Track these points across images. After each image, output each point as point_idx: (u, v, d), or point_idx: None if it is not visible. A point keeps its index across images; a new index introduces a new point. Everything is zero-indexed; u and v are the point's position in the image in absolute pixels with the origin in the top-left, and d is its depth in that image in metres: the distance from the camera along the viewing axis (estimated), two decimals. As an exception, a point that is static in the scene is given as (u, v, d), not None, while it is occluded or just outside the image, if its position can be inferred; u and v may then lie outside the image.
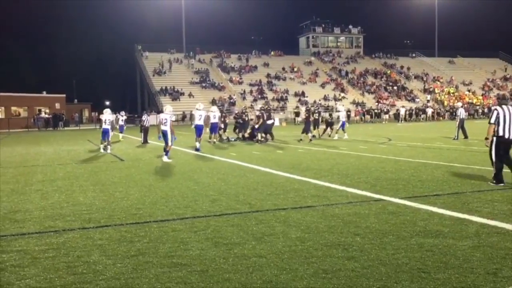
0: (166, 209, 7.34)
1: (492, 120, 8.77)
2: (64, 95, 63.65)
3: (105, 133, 18.32)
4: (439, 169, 10.92)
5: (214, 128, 20.38)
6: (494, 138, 8.78)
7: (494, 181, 8.77)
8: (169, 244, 5.42)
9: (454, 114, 20.91)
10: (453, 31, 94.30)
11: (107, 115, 18.59)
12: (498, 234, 5.46)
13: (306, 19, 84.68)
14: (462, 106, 23.00)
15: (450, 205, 7.03)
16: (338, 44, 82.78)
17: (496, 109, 8.87)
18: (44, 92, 61.72)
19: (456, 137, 20.65)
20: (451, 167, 11.18)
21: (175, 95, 58.59)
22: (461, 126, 20.92)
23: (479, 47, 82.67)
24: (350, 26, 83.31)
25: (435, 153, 15.00)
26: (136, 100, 73.60)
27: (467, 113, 45.17)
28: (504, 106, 8.80)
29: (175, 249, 5.23)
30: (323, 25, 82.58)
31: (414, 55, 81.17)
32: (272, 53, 75.26)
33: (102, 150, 18.35)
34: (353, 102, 59.79)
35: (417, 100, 64.23)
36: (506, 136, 8.65)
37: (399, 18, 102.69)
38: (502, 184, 8.65)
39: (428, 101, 62.46)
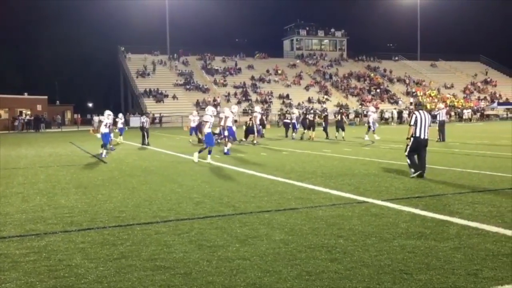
0: (149, 211, 7.30)
1: (412, 123, 10.14)
2: (46, 97, 62.85)
3: (106, 137, 17.20)
4: (421, 171, 11.02)
5: (254, 130, 20.83)
6: (412, 138, 10.12)
7: (413, 172, 10.08)
8: (152, 247, 5.39)
9: (434, 116, 21.22)
10: (435, 35, 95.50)
11: (109, 118, 17.36)
12: (478, 235, 5.53)
13: (291, 22, 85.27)
14: (443, 108, 23.27)
15: (432, 207, 7.11)
16: (322, 47, 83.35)
17: (414, 113, 10.22)
18: (26, 94, 60.89)
19: (439, 139, 20.88)
20: (433, 169, 11.30)
21: (159, 97, 58.37)
22: (442, 127, 21.15)
23: (461, 50, 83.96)
24: (333, 30, 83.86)
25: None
26: (120, 102, 73.11)
27: (448, 116, 45.69)
28: (420, 111, 10.20)
29: (158, 252, 5.20)
30: (307, 28, 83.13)
31: (397, 58, 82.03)
32: (257, 55, 75.43)
33: (104, 155, 16.82)
34: (337, 105, 60.09)
35: (400, 102, 64.85)
36: (422, 137, 10.03)
37: (382, 22, 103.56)
38: (416, 174, 9.96)
39: (411, 103, 63.12)
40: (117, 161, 15.50)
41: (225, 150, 16.80)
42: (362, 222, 6.30)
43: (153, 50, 69.51)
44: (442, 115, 21.59)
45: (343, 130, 23.90)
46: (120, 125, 25.78)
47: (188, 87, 62.00)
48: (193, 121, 23.71)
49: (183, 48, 71.91)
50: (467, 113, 54.67)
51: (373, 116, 24.23)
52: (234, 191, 8.98)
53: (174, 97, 58.68)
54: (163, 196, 8.57)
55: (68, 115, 72.78)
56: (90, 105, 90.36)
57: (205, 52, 72.06)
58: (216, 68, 68.25)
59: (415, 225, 6.05)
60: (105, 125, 17.12)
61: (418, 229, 5.84)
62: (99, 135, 17.17)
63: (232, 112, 18.63)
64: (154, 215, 7.06)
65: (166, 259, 4.95)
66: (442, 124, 21.27)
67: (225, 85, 63.99)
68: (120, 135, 25.67)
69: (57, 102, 74.57)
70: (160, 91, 59.15)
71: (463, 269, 4.42)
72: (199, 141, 22.80)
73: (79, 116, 67.74)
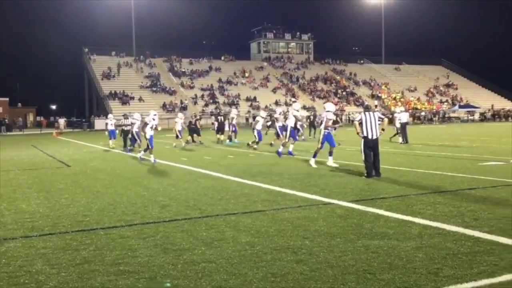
0: (114, 215, 7.19)
1: (357, 119, 10.98)
2: (7, 99, 61.21)
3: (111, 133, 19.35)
4: (385, 173, 11.21)
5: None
6: (363, 140, 10.71)
7: (365, 175, 10.50)
8: (116, 251, 5.31)
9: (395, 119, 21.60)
10: (399, 39, 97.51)
11: (155, 119, 16.21)
12: (439, 235, 5.67)
13: (258, 25, 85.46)
14: (404, 111, 23.62)
15: (395, 208, 7.25)
16: (289, 49, 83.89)
17: (360, 114, 11.00)
18: (-15, 96, 59.11)
19: (403, 141, 21.29)
20: (396, 171, 11.53)
21: (125, 99, 57.57)
22: (404, 129, 21.53)
23: (423, 55, 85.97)
24: (298, 33, 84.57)
25: (382, 157, 15.39)
26: (84, 104, 71.77)
27: (411, 118, 46.58)
28: (366, 113, 10.83)
29: (122, 256, 5.13)
30: (274, 31, 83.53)
31: (362, 61, 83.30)
32: (223, 58, 75.31)
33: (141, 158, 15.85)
34: (304, 107, 60.56)
35: (365, 105, 65.84)
36: (370, 137, 10.61)
37: (348, 26, 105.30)
38: (370, 178, 10.28)
39: (376, 106, 64.18)
40: (81, 164, 15.20)
41: (290, 149, 16.69)
42: (328, 223, 6.37)
43: (118, 52, 68.52)
44: (403, 117, 21.96)
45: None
46: (110, 127, 23.06)
47: (154, 89, 61.37)
48: (180, 124, 23.18)
49: (149, 50, 71.22)
50: (423, 116, 55.93)
51: (403, 115, 23.39)
52: (200, 194, 8.94)
53: (140, 99, 57.97)
54: (128, 200, 8.46)
55: (31, 117, 71.01)
56: (54, 107, 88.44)
57: (172, 54, 71.48)
58: (183, 70, 67.81)
59: (378, 226, 6.15)
60: (151, 127, 15.41)
61: (382, 230, 5.95)
62: (147, 136, 15.33)
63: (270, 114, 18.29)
64: (119, 219, 6.96)
65: (130, 263, 4.89)
66: (403, 127, 21.66)
67: (192, 88, 63.65)
68: (113, 138, 23.04)
69: (19, 104, 72.64)
70: (125, 93, 58.33)
71: (424, 268, 4.52)
72: (188, 141, 23.30)
73: (42, 119, 66.17)
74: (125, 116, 21.91)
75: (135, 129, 19.22)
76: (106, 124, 22.91)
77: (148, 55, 70.00)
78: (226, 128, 25.56)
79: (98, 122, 53.02)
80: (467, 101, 70.27)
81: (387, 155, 15.91)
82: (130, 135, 20.71)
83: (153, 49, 71.70)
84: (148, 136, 15.15)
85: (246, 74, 69.83)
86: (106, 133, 22.28)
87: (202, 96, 61.65)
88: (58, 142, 29.96)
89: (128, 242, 5.66)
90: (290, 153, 16.48)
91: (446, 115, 62.76)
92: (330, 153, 13.10)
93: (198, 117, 25.58)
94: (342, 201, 7.85)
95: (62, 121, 54.87)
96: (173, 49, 73.24)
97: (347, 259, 4.85)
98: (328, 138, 12.88)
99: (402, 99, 68.18)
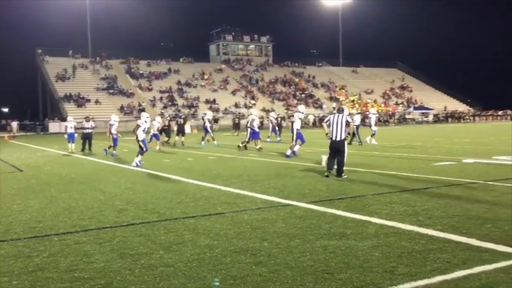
0: (69, 221, 7.00)
1: (325, 120, 11.50)
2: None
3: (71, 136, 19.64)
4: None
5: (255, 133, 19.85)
6: (330, 140, 11.05)
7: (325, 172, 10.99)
8: (71, 257, 5.17)
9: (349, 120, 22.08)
10: (356, 42, 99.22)
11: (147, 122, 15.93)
12: (395, 234, 5.80)
13: (217, 27, 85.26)
14: (357, 113, 24.32)
15: (352, 208, 7.37)
16: (248, 52, 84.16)
17: (329, 116, 11.50)
18: None
19: (359, 142, 21.68)
20: (354, 172, 11.72)
21: (81, 101, 56.28)
22: (357, 131, 21.92)
23: (379, 57, 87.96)
24: (257, 35, 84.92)
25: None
26: (38, 107, 69.64)
27: (376, 120, 47.39)
28: (335, 115, 11.08)
29: (77, 262, 4.99)
30: (233, 33, 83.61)
31: (320, 64, 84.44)
32: (182, 60, 74.75)
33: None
34: (263, 110, 60.86)
35: (324, 107, 66.76)
36: (334, 138, 10.93)
37: (307, 29, 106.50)
38: (325, 174, 10.82)
39: (334, 108, 65.10)
40: (34, 168, 14.74)
41: (289, 152, 16.23)
42: (287, 224, 6.40)
43: (73, 53, 66.92)
44: (356, 120, 22.44)
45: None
46: (70, 130, 21.42)
47: (111, 91, 60.26)
48: (156, 127, 22.92)
49: (105, 51, 69.83)
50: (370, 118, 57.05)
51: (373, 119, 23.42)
52: (159, 197, 8.82)
53: (96, 101, 56.79)
54: (84, 204, 8.25)
55: (-21, 120, 68.34)
56: (6, 110, 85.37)
57: (129, 55, 70.39)
58: (141, 72, 66.89)
59: (336, 226, 6.23)
60: (143, 130, 14.99)
61: (340, 230, 6.03)
62: (140, 138, 14.50)
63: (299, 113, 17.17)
64: (74, 224, 6.78)
65: (85, 269, 4.76)
66: (356, 129, 22.07)
67: (150, 90, 62.86)
68: (72, 142, 21.37)
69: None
70: (81, 96, 57.03)
71: (381, 266, 4.61)
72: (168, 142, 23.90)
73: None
74: (87, 119, 21.27)
75: (113, 130, 19.10)
76: (66, 127, 22.13)
77: (105, 56, 68.68)
78: (188, 131, 25.70)
79: (53, 125, 51.62)
80: (421, 103, 72.38)
81: (350, 157, 16.16)
82: (89, 140, 20.49)
83: (109, 50, 70.42)
84: (140, 139, 14.69)
85: (205, 76, 69.57)
86: (66, 136, 21.51)
87: (161, 98, 60.98)
88: (11, 146, 28.97)
89: (84, 248, 5.52)
90: (290, 155, 16.09)
91: (401, 117, 64.41)
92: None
93: (169, 118, 25.97)
94: (301, 202, 7.91)
95: (14, 124, 52.98)
96: (130, 51, 72.26)
97: (306, 259, 4.89)
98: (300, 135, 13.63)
99: (359, 101, 69.51)
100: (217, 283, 4.28)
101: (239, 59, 79.90)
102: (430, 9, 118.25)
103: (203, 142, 24.76)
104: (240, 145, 20.26)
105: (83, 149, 20.98)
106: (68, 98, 56.25)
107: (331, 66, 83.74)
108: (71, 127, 21.16)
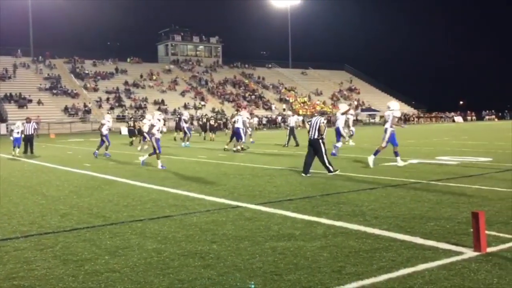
0: (8, 226, 6.68)
1: (307, 121, 12.33)
2: None
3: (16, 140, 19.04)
4: (292, 175, 11.50)
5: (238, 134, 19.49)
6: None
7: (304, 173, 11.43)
8: (10, 265, 4.93)
9: (285, 122, 22.54)
10: (305, 45, 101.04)
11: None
12: (343, 234, 5.88)
13: (165, 27, 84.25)
14: (292, 115, 24.75)
15: (301, 209, 7.42)
16: (197, 52, 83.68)
17: (311, 117, 12.19)
18: None
19: (286, 144, 21.89)
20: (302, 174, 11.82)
21: (22, 102, 54.07)
22: (292, 133, 22.17)
23: (327, 60, 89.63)
24: (206, 36, 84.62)
25: (289, 159, 15.78)
26: (-24, 107, 66.40)
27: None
28: (315, 118, 11.94)
29: (17, 270, 4.76)
30: (182, 34, 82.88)
31: (270, 65, 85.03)
32: (129, 60, 73.34)
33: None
34: (213, 111, 60.65)
35: (273, 109, 67.27)
36: (309, 137, 11.56)
37: (256, 30, 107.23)
38: (308, 175, 11.24)
39: (284, 109, 65.73)
40: (-29, 172, 14.01)
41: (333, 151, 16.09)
42: (236, 226, 6.37)
43: (14, 52, 64.27)
44: (292, 121, 22.74)
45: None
46: (16, 134, 20.32)
47: (55, 91, 58.25)
48: (147, 125, 22.16)
49: (49, 50, 67.54)
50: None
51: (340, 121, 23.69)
52: (104, 200, 8.58)
53: (39, 102, 54.74)
54: (25, 209, 7.91)
55: None
56: None
57: (74, 55, 68.36)
58: (87, 72, 65.09)
59: (286, 227, 6.26)
60: (158, 130, 14.33)
61: (289, 231, 6.05)
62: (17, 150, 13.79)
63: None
64: (14, 230, 6.48)
65: (26, 277, 4.55)
66: (292, 130, 22.32)
67: (96, 90, 61.25)
68: (17, 146, 20.07)
69: None
70: (23, 96, 54.78)
71: (329, 267, 4.66)
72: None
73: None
74: (28, 120, 20.64)
75: (104, 130, 18.46)
76: (12, 131, 21.14)
77: (48, 55, 66.37)
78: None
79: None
80: (368, 105, 74.24)
81: (295, 158, 16.32)
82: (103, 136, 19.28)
83: (53, 49, 68.15)
84: (158, 137, 14.18)
85: (154, 77, 68.54)
86: (11, 138, 20.49)
87: (108, 99, 59.55)
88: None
89: (24, 255, 5.28)
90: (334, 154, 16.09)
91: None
92: (396, 153, 13.43)
93: (134, 119, 25.87)
94: (250, 204, 7.90)
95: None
96: (75, 50, 70.26)
97: (255, 261, 4.87)
98: (393, 137, 13.40)
99: (308, 103, 70.53)
100: (253, 286, 4.22)
101: (188, 59, 79.29)
102: (377, 12, 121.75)
103: (183, 143, 24.44)
104: (234, 149, 19.61)
105: (25, 151, 20.19)
106: (9, 98, 53.95)
107: (280, 67, 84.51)
108: (17, 132, 20.17)
